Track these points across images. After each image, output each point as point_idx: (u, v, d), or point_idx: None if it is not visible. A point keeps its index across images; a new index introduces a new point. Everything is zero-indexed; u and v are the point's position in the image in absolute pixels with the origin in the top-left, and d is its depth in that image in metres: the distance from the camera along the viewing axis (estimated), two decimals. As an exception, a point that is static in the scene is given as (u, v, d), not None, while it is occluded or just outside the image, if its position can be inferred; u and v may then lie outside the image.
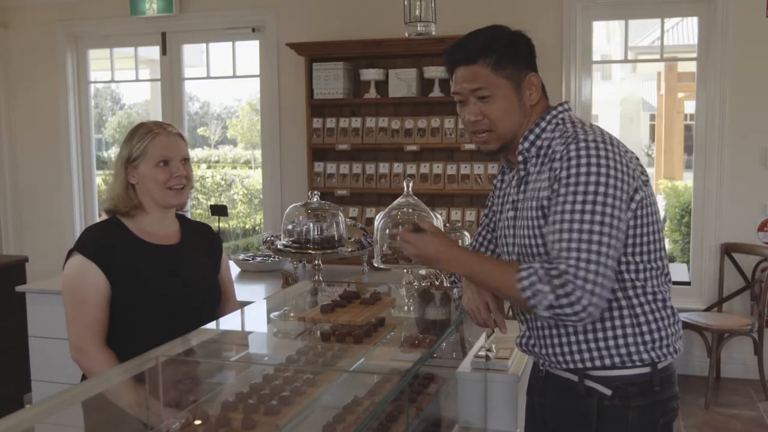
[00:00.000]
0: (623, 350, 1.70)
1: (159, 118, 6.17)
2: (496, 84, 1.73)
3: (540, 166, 1.74)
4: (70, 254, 2.09)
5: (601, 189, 1.59)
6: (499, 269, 1.70)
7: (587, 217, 1.58)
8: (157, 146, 2.11)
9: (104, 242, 2.09)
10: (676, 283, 5.20)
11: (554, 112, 1.78)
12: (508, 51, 1.74)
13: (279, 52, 5.59)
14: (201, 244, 2.30)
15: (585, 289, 1.55)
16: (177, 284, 2.13)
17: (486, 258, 1.78)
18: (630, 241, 1.69)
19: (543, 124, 1.76)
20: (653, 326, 1.71)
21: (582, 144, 1.63)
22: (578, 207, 1.59)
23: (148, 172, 2.11)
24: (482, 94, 1.74)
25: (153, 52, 6.21)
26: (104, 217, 2.20)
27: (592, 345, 1.71)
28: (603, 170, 1.60)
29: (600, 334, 1.71)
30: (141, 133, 2.12)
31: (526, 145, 1.76)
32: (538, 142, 1.76)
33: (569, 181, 1.62)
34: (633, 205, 1.67)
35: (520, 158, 1.78)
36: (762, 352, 4.63)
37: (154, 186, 2.12)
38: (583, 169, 1.61)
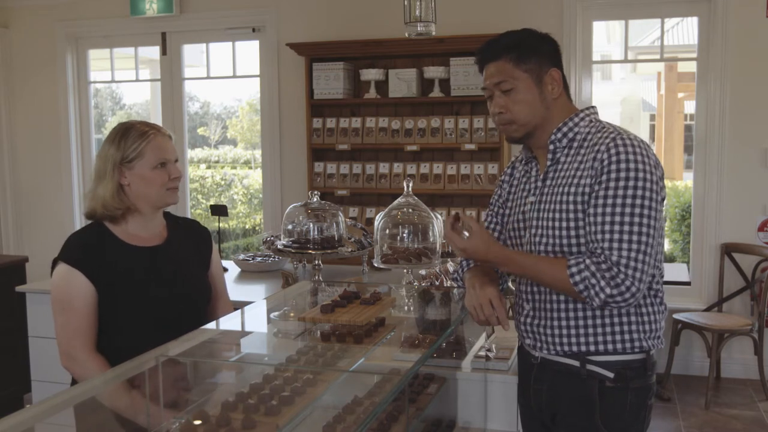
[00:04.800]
0: (627, 336, 1.82)
1: (159, 118, 6.18)
2: (517, 77, 1.84)
3: (572, 156, 1.84)
4: (54, 263, 2.08)
5: (648, 186, 1.73)
6: (549, 265, 1.80)
7: (635, 210, 1.71)
8: (155, 148, 2.11)
9: (88, 249, 2.08)
10: (676, 283, 5.22)
11: (588, 111, 1.90)
12: (529, 47, 1.85)
13: (279, 52, 5.59)
14: (188, 242, 2.28)
15: (635, 278, 1.71)
16: (162, 285, 2.12)
17: (534, 256, 1.87)
18: None
19: (576, 119, 1.88)
20: (652, 318, 1.85)
21: (628, 142, 1.75)
22: (627, 201, 1.72)
23: (145, 173, 2.10)
24: (505, 87, 1.85)
25: (153, 52, 6.20)
26: (86, 222, 2.19)
27: (599, 329, 1.83)
28: (648, 173, 1.74)
29: (607, 320, 1.82)
30: (134, 134, 2.11)
31: (559, 135, 1.87)
32: (570, 134, 1.87)
33: (618, 176, 1.73)
34: (660, 207, 1.79)
35: (551, 147, 1.87)
36: (762, 352, 4.63)
37: (152, 187, 2.12)
38: (632, 165, 1.73)
